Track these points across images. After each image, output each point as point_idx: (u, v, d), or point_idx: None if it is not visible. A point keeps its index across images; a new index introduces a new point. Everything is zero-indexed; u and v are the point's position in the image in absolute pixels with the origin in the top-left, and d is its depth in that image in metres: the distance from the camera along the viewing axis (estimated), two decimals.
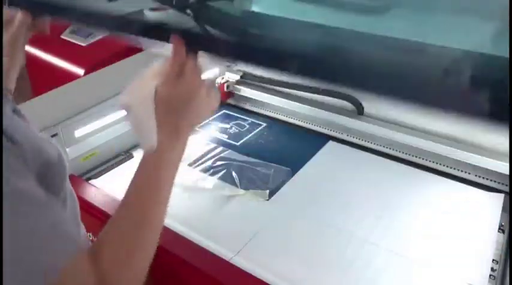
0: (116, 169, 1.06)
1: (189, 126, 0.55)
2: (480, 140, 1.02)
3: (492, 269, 0.79)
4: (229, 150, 1.13)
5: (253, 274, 0.73)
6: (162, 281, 0.84)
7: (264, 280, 0.72)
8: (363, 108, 1.17)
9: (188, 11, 0.71)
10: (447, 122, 1.06)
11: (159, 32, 0.60)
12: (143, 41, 1.44)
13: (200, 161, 1.09)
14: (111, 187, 0.97)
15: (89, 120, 1.03)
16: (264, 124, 1.29)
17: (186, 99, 0.53)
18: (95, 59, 1.41)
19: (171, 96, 0.52)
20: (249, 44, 0.56)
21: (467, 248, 0.83)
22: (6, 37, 0.64)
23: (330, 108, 1.21)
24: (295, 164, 1.07)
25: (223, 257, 0.78)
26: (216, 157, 1.10)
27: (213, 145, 1.16)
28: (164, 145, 0.53)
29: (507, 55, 0.38)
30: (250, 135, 1.23)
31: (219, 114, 1.36)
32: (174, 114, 0.52)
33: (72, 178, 0.87)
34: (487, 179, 1.03)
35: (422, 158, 1.10)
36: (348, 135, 1.21)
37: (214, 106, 0.59)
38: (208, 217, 0.91)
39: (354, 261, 0.80)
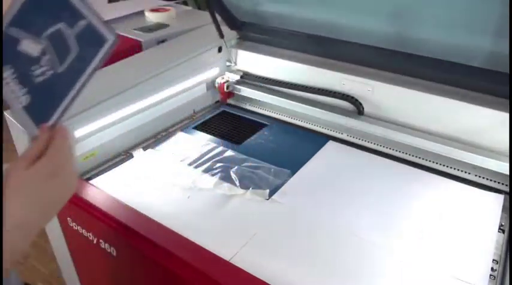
0: (115, 168, 1.06)
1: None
2: (480, 140, 1.02)
3: (492, 269, 0.79)
4: (229, 150, 1.13)
5: (253, 274, 0.73)
6: (161, 281, 0.84)
7: (264, 280, 0.72)
8: (362, 108, 1.17)
9: None
10: (447, 121, 1.06)
11: None
12: (143, 43, 1.44)
13: (200, 161, 1.09)
14: (111, 187, 0.97)
15: (89, 120, 1.03)
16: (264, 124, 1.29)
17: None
18: None
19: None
20: None
21: (467, 248, 0.83)
22: None
23: (330, 108, 1.21)
24: (295, 163, 1.07)
25: (223, 257, 0.78)
26: (216, 157, 1.10)
27: (213, 145, 1.16)
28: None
29: None
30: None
31: (219, 112, 1.36)
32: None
33: None
34: (487, 179, 1.03)
35: (422, 158, 1.10)
36: (347, 135, 1.22)
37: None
38: (208, 216, 0.91)
39: (353, 260, 0.80)
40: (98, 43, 0.56)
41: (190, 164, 1.07)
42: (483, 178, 1.03)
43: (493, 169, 0.99)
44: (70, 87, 0.58)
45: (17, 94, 0.59)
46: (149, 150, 1.15)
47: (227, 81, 1.38)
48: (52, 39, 0.58)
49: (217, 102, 1.44)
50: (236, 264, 0.76)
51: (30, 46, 0.59)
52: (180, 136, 1.22)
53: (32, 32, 0.59)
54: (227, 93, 1.40)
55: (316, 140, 1.20)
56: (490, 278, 0.77)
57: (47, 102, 0.59)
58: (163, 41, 1.49)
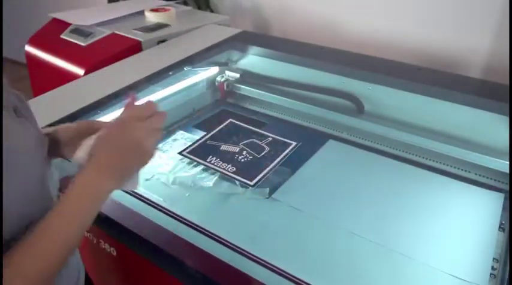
0: None
1: (123, 168, 0.61)
2: (480, 138, 1.02)
3: (492, 268, 0.79)
4: None
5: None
6: (160, 282, 0.84)
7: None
8: (363, 107, 1.17)
9: None
10: (447, 119, 1.06)
11: None
12: (143, 43, 1.45)
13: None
14: None
15: (89, 118, 1.03)
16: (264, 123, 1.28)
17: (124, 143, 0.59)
18: (95, 59, 1.42)
19: (111, 136, 0.59)
20: None
21: (468, 247, 0.83)
22: None
23: (330, 107, 1.20)
24: (295, 162, 1.07)
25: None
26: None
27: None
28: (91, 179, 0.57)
29: None
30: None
31: (219, 112, 1.36)
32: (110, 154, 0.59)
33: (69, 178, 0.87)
34: (487, 177, 1.03)
35: (423, 157, 1.10)
36: (348, 134, 1.21)
37: (146, 161, 0.62)
38: (207, 215, 0.91)
39: (354, 259, 0.80)
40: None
41: (190, 163, 1.07)
42: (483, 176, 1.03)
43: (493, 168, 0.99)
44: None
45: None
46: None
47: (227, 79, 1.38)
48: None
49: (217, 100, 1.44)
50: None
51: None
52: (180, 134, 1.22)
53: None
54: (227, 92, 1.40)
55: (316, 139, 1.20)
56: (490, 276, 0.77)
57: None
58: (163, 41, 1.49)
